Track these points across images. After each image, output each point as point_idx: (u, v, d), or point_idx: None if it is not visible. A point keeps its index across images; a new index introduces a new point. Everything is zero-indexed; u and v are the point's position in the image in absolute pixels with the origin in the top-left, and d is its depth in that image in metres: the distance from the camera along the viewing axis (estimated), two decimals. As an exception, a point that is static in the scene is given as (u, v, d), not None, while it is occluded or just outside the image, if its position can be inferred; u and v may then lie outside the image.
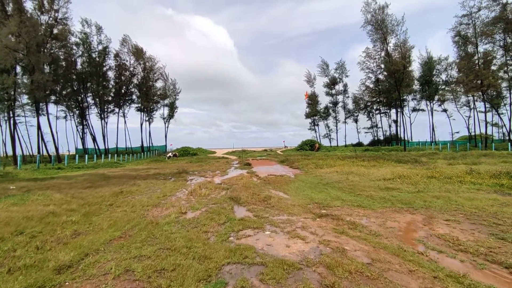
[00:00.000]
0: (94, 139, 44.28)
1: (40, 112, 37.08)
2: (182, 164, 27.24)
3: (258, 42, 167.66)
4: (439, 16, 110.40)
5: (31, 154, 43.49)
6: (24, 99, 39.98)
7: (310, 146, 47.09)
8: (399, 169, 15.65)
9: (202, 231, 5.41)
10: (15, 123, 33.54)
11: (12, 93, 31.35)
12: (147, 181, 13.95)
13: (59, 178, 15.92)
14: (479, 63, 32.64)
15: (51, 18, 35.71)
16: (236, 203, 8.27)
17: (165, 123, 53.91)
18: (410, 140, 51.26)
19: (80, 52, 41.63)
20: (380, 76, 51.26)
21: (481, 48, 33.06)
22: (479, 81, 31.90)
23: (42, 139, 36.09)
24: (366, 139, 61.38)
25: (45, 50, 35.52)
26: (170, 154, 37.58)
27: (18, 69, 33.63)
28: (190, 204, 8.21)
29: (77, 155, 28.39)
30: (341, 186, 10.72)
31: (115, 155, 33.24)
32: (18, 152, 36.19)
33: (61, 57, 39.45)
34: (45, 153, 37.56)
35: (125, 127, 48.98)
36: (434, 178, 11.34)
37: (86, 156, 28.33)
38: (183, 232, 5.38)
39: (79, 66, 41.46)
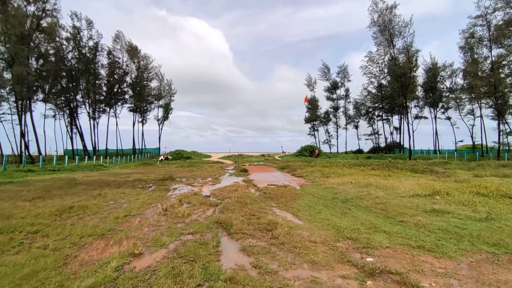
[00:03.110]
0: (82, 140, 41.19)
1: (25, 109, 34.03)
2: (171, 168, 24.43)
3: (255, 47, 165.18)
4: (432, 26, 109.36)
5: (15, 154, 40.25)
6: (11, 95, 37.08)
7: (310, 152, 44.72)
8: (423, 180, 13.12)
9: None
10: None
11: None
12: (118, 190, 11.10)
13: (16, 184, 12.97)
14: (493, 68, 30.31)
15: (38, 9, 32.96)
16: (225, 232, 5.47)
17: (159, 125, 51.39)
18: (413, 148, 48.82)
19: (70, 48, 38.85)
20: (383, 81, 49.16)
21: (494, 52, 30.82)
22: (492, 87, 29.52)
23: (24, 138, 32.97)
24: (367, 146, 59.11)
25: (32, 43, 32.74)
26: (161, 157, 34.71)
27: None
28: (156, 233, 5.38)
29: (55, 157, 25.38)
30: (368, 205, 7.98)
31: (101, 157, 30.26)
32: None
33: (50, 51, 36.72)
34: (28, 153, 34.36)
35: (117, 128, 45.96)
36: (484, 196, 8.64)
37: (66, 157, 25.33)
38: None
39: (69, 63, 38.59)
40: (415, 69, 37.22)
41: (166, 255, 4.26)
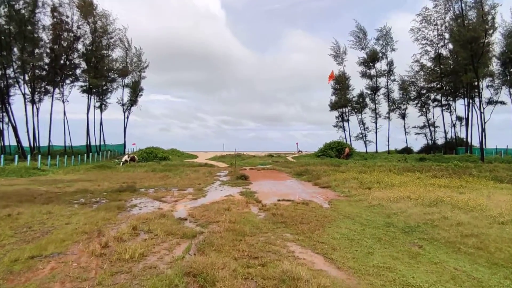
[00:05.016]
0: (15, 133, 40.10)
1: None
2: (137, 173, 23.65)
3: (256, 5, 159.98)
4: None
5: None
6: None
7: (337, 150, 43.69)
8: (521, 195, 11.69)
9: None
10: None
11: None
12: (44, 208, 9.96)
13: None
14: None
15: None
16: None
17: (124, 112, 50.75)
18: (485, 147, 47.12)
19: (-2, 2, 37.72)
20: (443, 51, 47.55)
21: None
22: None
23: None
24: (417, 143, 57.54)
25: None
26: (125, 157, 33.67)
27: None
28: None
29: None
30: (449, 238, 6.66)
31: (40, 156, 29.11)
32: None
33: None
34: None
35: (64, 117, 45.00)
36: None
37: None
38: None
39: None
40: (491, 31, 35.29)
41: None
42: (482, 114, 41.58)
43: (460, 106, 50.28)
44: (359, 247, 6.13)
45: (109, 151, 45.07)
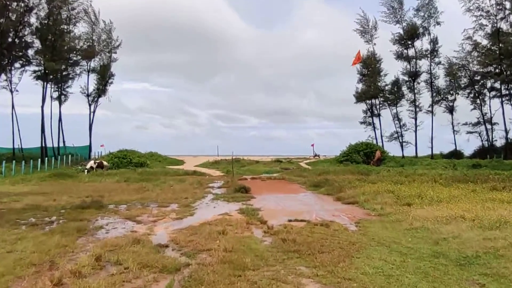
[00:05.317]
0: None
1: None
2: (106, 184, 24.37)
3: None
4: None
5: None
6: None
7: (365, 154, 44.10)
8: None
9: None
10: None
11: None
12: None
13: None
14: None
15: None
16: None
17: (90, 105, 51.44)
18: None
19: None
20: (503, 25, 47.40)
21: None
22: None
23: None
24: (469, 145, 57.45)
25: None
26: (91, 163, 34.22)
27: None
28: None
29: None
30: None
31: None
32: None
33: None
34: None
35: (13, 111, 45.20)
36: None
37: None
38: None
39: None
40: None
41: None
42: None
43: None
44: (400, 286, 6.10)
45: (70, 155, 45.86)
